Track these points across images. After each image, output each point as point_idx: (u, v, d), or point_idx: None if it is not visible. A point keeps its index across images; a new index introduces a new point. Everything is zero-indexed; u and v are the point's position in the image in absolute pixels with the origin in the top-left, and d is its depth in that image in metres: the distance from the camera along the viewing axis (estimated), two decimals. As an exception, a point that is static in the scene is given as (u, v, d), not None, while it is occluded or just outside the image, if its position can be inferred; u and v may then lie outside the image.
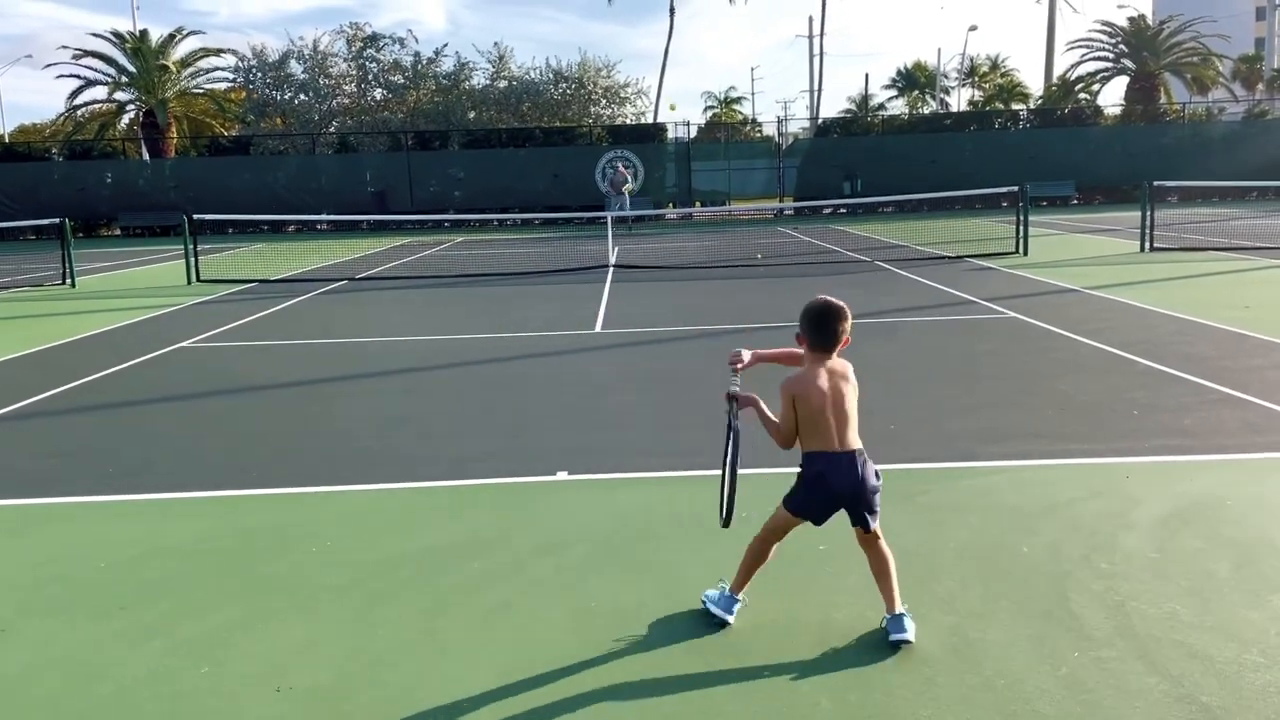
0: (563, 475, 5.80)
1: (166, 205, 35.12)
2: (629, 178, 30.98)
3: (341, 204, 35.42)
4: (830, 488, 3.69)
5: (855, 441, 3.76)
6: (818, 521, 3.80)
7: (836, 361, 3.84)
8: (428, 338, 11.19)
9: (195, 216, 19.21)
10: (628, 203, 29.77)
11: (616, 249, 20.32)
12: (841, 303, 3.81)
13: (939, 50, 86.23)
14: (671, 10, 46.43)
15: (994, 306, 11.98)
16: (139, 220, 36.35)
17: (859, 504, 3.70)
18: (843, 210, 35.56)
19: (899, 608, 3.67)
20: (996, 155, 35.91)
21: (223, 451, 6.68)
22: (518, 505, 5.40)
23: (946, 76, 69.27)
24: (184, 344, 11.06)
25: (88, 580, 4.51)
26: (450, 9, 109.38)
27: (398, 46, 42.77)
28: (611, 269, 17.85)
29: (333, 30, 47.27)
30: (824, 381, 3.75)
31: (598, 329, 11.38)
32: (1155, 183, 19.72)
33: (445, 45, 75.76)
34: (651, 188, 36.88)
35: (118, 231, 37.13)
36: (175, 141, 41.17)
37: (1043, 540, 4.58)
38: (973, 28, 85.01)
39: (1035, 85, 59.37)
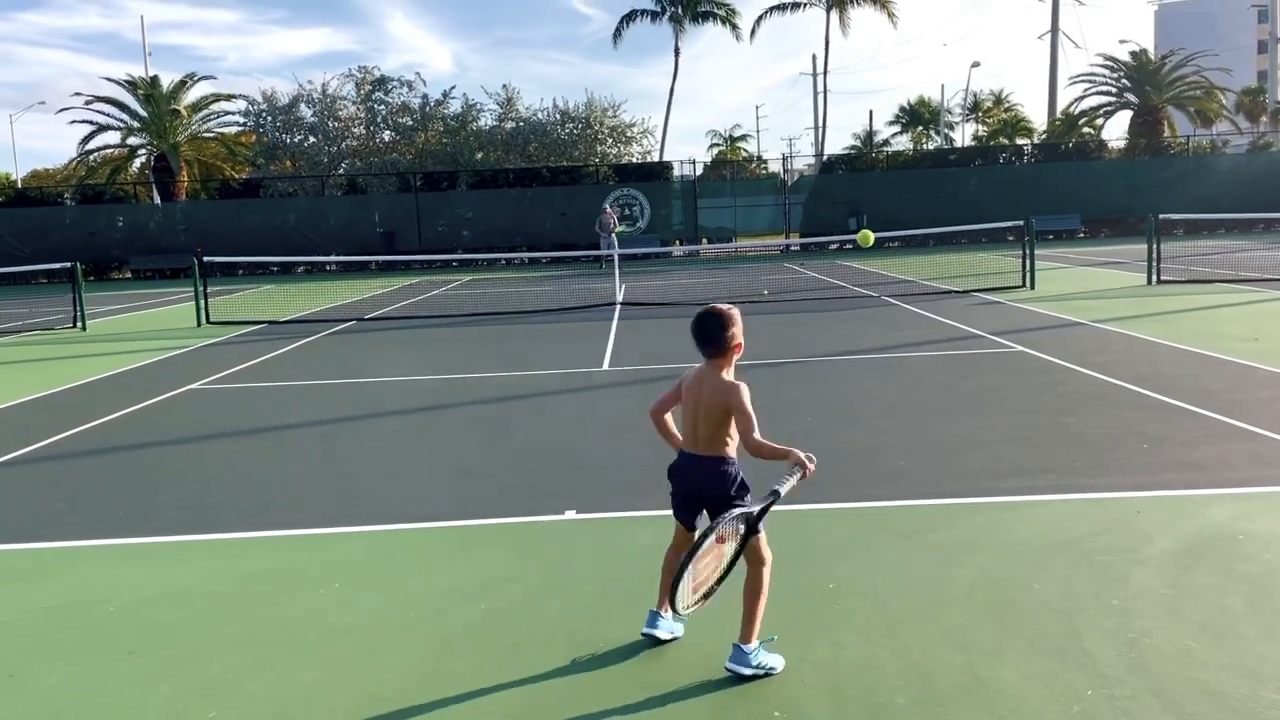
0: (571, 514, 5.79)
1: (177, 248, 35.40)
2: (614, 220, 31.35)
3: (350, 245, 35.69)
4: (674, 483, 3.90)
5: (706, 448, 3.81)
6: (681, 519, 3.92)
7: (714, 371, 3.86)
8: (436, 377, 11.22)
9: (205, 258, 19.36)
10: (615, 243, 30.03)
11: (623, 287, 20.41)
12: (724, 308, 3.84)
13: (942, 86, 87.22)
14: (676, 51, 46.93)
15: (1001, 340, 11.98)
16: (150, 263, 36.65)
17: (716, 509, 3.71)
18: (849, 246, 35.68)
19: (752, 641, 3.68)
20: (1002, 189, 36.07)
21: (233, 493, 6.70)
22: (526, 544, 5.39)
23: (950, 112, 69.78)
24: (194, 386, 11.11)
25: (96, 624, 4.51)
26: (456, 52, 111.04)
27: (405, 89, 43.31)
28: (618, 306, 17.92)
29: (341, 74, 48.00)
30: (694, 383, 3.88)
31: (605, 366, 11.40)
32: (1161, 215, 19.76)
33: (453, 87, 76.58)
34: (658, 225, 37.12)
35: (129, 274, 37.41)
36: (186, 185, 41.57)
37: (1054, 576, 4.55)
38: (975, 64, 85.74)
39: (1039, 119, 59.80)
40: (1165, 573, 4.54)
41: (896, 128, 74.06)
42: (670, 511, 3.98)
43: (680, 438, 3.94)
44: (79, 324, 18.37)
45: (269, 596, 4.76)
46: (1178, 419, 7.58)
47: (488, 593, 4.65)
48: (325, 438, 8.46)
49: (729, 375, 3.91)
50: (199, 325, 17.71)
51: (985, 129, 68.09)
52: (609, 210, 32.12)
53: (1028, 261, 18.35)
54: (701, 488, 3.82)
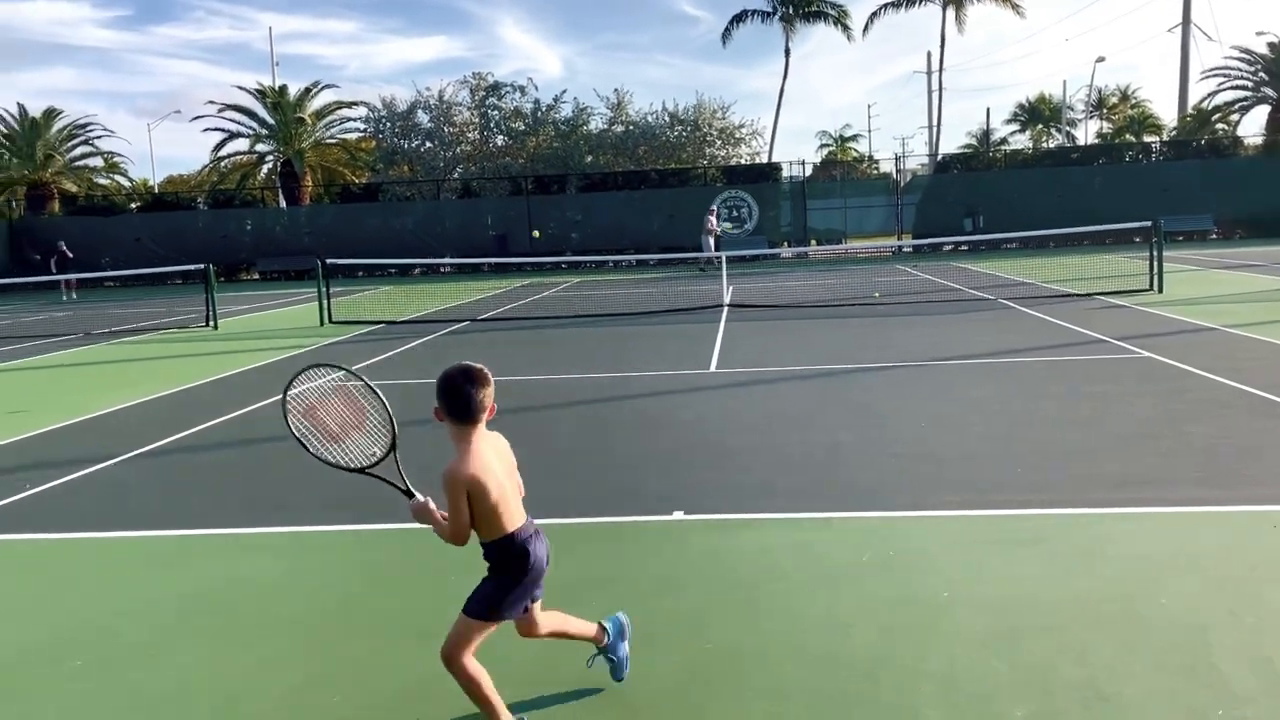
0: (679, 515, 5.83)
1: (301, 250, 36.87)
2: (715, 224, 31.42)
3: (464, 247, 36.54)
4: (542, 562, 3.44)
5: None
6: (521, 614, 3.48)
7: (487, 432, 3.43)
8: (546, 377, 11.42)
9: (328, 261, 20.12)
10: (714, 246, 30.09)
11: (731, 289, 20.38)
12: (479, 366, 3.39)
13: (1064, 83, 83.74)
14: (787, 51, 46.60)
15: (1126, 345, 11.54)
16: (276, 265, 38.24)
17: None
18: (964, 247, 34.85)
19: (606, 638, 3.67)
20: (1127, 189, 34.67)
21: (356, 487, 6.94)
22: (634, 543, 5.45)
23: (1072, 109, 67.38)
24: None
25: (231, 609, 4.75)
26: (565, 56, 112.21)
27: (518, 94, 44.15)
28: (726, 308, 17.89)
29: (457, 80, 49.20)
30: (492, 459, 3.37)
31: (713, 368, 11.41)
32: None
33: (564, 91, 77.61)
34: (766, 227, 36.91)
35: (256, 276, 39.12)
36: (310, 190, 43.26)
37: (1180, 592, 4.37)
38: (1100, 59, 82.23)
39: (1168, 116, 57.31)
40: (1304, 591, 4.32)
41: (1015, 126, 71.95)
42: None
43: (521, 515, 3.45)
44: (211, 323, 19.30)
45: (388, 587, 4.94)
46: (1319, 430, 7.18)
47: (595, 590, 4.72)
48: (437, 435, 8.67)
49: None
50: (322, 325, 18.40)
51: (1110, 126, 65.56)
52: (710, 218, 32.04)
53: (1155, 264, 17.60)
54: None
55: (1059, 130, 66.99)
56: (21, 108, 43.93)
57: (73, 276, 30.07)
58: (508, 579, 3.37)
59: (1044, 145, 63.38)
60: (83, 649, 4.33)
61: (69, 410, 10.13)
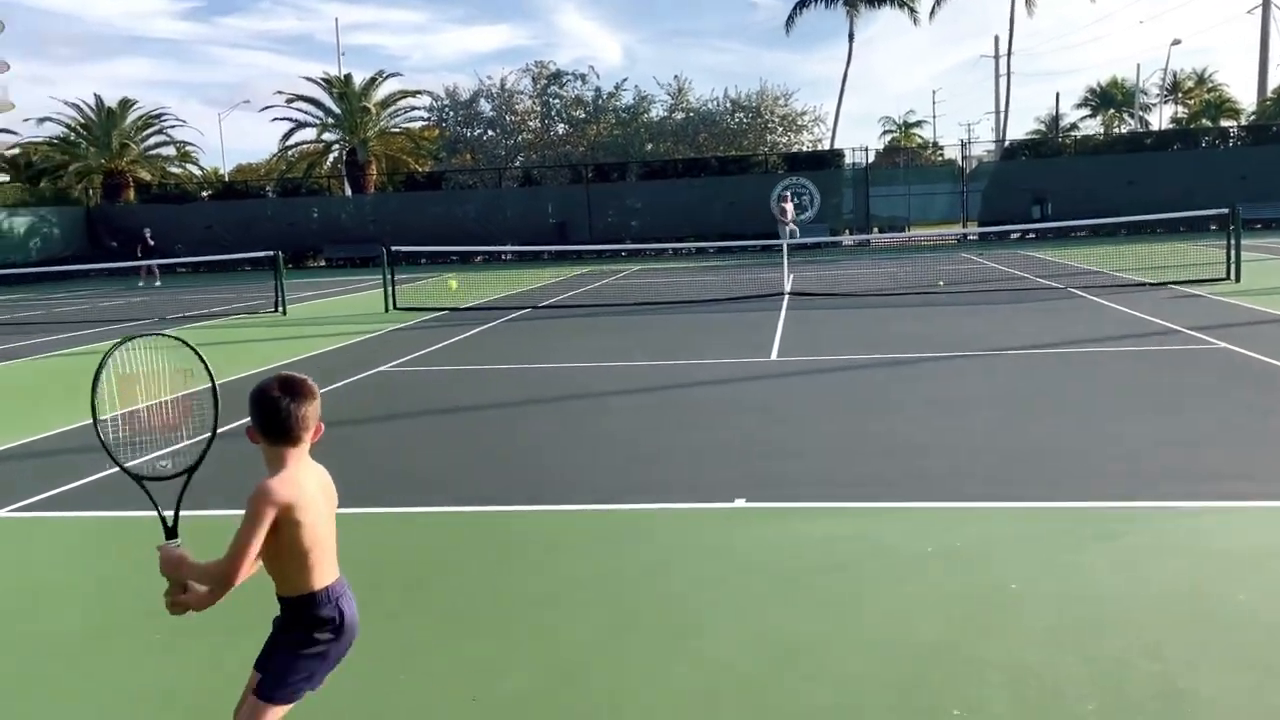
0: (741, 503, 5.82)
1: (366, 238, 37.42)
2: (789, 209, 31.10)
3: (525, 235, 36.77)
4: (355, 627, 2.79)
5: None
6: (315, 686, 2.78)
7: (312, 462, 2.81)
8: (607, 364, 11.46)
9: (392, 248, 20.40)
10: (797, 232, 29.81)
11: (792, 276, 20.23)
12: (302, 377, 2.81)
13: (1138, 66, 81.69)
14: (850, 36, 45.99)
15: (1201, 336, 11.21)
16: (341, 252, 38.86)
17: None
18: (1031, 235, 34.14)
19: None
20: (1203, 175, 33.61)
21: (421, 469, 7.06)
22: (696, 531, 5.46)
23: (1146, 93, 65.53)
24: (384, 368, 11.76)
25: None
26: (626, 44, 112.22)
27: (579, 83, 44.27)
28: (787, 296, 17.78)
29: (519, 69, 49.45)
30: (315, 491, 2.73)
31: (773, 356, 11.35)
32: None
33: (625, 79, 77.64)
34: (828, 214, 36.54)
35: (323, 262, 39.81)
36: (375, 178, 43.86)
37: (1259, 588, 4.26)
38: (1176, 42, 79.81)
39: (1247, 100, 55.46)
40: (1391, 590, 4.17)
41: (1085, 111, 70.23)
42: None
43: (335, 569, 2.81)
44: (280, 309, 19.71)
45: (452, 568, 5.01)
46: None
47: (658, 576, 4.74)
48: (502, 420, 8.79)
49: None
50: (387, 311, 18.68)
51: (1185, 111, 63.67)
52: (783, 203, 31.78)
53: (1233, 252, 17.06)
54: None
55: (1132, 116, 65.22)
56: (98, 98, 45.15)
57: (153, 263, 30.90)
58: (314, 647, 2.71)
59: (1116, 131, 61.79)
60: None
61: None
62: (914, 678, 3.61)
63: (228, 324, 18.38)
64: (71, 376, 12.64)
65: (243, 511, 2.61)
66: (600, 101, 44.00)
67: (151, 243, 31.28)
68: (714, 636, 4.04)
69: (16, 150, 51.37)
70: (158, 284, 31.32)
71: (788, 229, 29.47)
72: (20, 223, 37.34)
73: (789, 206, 30.94)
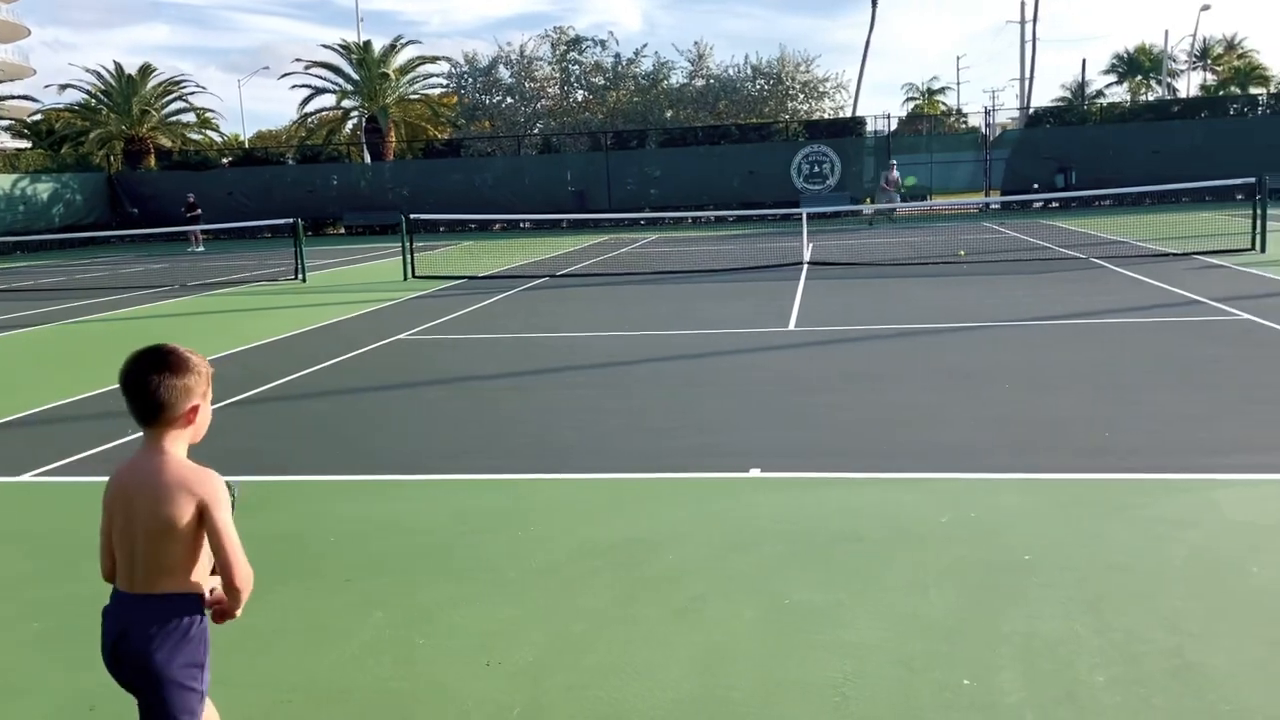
0: (756, 472, 5.83)
1: (385, 205, 37.42)
2: (899, 178, 31.04)
3: (543, 203, 36.67)
4: (103, 641, 2.44)
5: (149, 584, 2.38)
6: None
7: (154, 455, 2.39)
8: (624, 333, 11.46)
9: (411, 216, 20.40)
10: (897, 199, 29.85)
11: (811, 246, 20.10)
12: (173, 348, 2.37)
13: (1166, 32, 79.96)
14: (874, 1, 45.39)
15: (1224, 307, 11.09)
16: (361, 219, 38.88)
17: (136, 687, 2.42)
18: (1055, 204, 33.75)
19: None
20: (1231, 144, 33.07)
21: (438, 438, 7.11)
22: (711, 500, 5.47)
23: (1174, 60, 64.42)
24: (402, 336, 11.80)
25: (317, 552, 4.92)
26: (645, 9, 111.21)
27: (599, 49, 43.93)
28: (806, 266, 17.69)
29: (538, 35, 49.11)
30: (125, 478, 2.40)
31: (792, 326, 11.32)
32: None
33: (644, 45, 76.98)
34: (848, 183, 36.23)
35: (342, 230, 39.87)
36: (394, 145, 43.78)
37: (1276, 560, 4.23)
38: (1206, 7, 78.16)
39: (1278, 67, 54.36)
40: None
41: (1112, 78, 69.19)
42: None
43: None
44: (300, 276, 19.79)
45: (470, 536, 5.05)
46: None
47: (672, 545, 4.76)
48: (521, 388, 8.82)
49: (182, 453, 2.43)
50: (405, 279, 18.72)
51: (1214, 78, 62.60)
52: (893, 168, 31.52)
53: (1259, 222, 16.82)
54: (132, 643, 2.38)
55: (1159, 82, 64.20)
56: (118, 65, 45.15)
57: (197, 229, 31.07)
58: (205, 646, 2.47)
59: (1143, 98, 60.86)
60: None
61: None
62: (927, 648, 3.62)
63: (250, 291, 18.48)
64: (100, 340, 12.78)
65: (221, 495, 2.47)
66: (620, 68, 43.67)
67: (199, 210, 31.38)
68: (727, 605, 4.06)
69: (39, 116, 51.59)
70: (201, 249, 31.43)
71: (892, 196, 29.63)
72: (43, 189, 37.53)
73: (895, 176, 30.93)
